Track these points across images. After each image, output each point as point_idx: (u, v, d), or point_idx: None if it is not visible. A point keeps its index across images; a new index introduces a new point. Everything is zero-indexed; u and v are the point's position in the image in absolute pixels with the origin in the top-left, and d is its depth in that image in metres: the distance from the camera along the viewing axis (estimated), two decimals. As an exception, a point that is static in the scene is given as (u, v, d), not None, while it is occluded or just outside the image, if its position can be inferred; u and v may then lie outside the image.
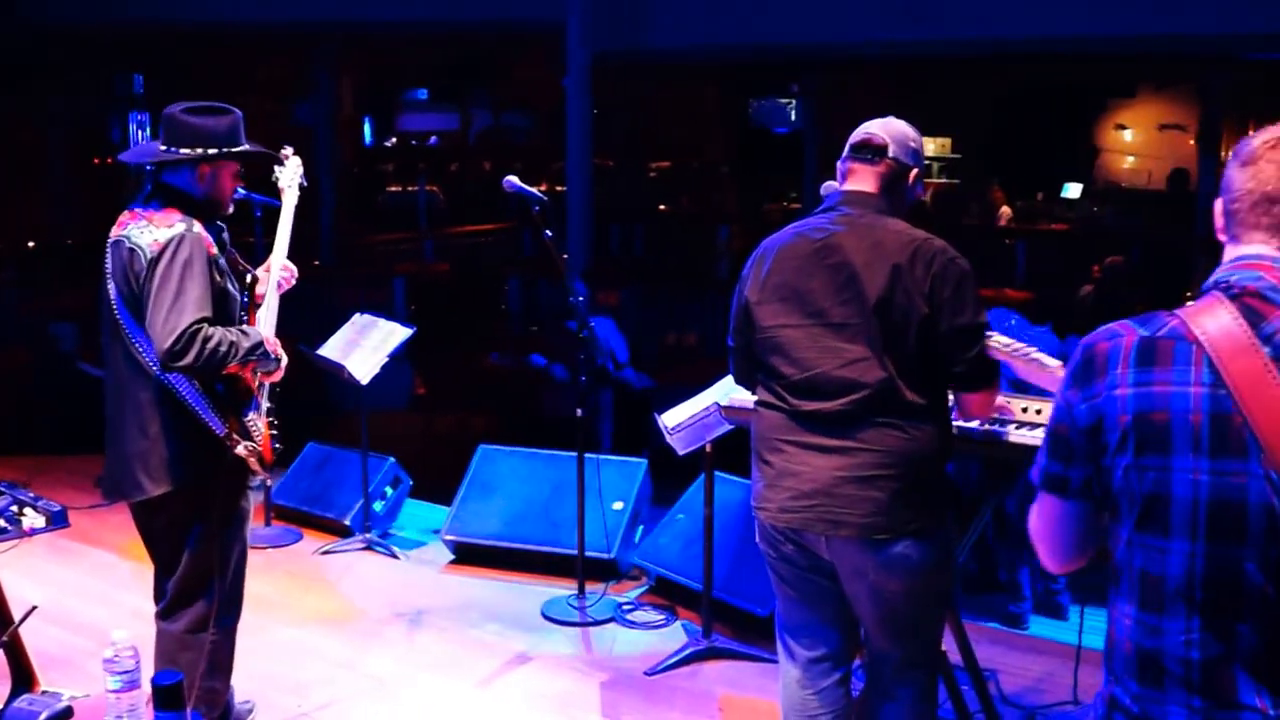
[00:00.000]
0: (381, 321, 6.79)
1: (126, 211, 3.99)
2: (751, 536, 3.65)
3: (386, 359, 6.53)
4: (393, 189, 20.11)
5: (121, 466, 3.97)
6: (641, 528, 6.39)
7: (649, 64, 15.21)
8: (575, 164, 13.19)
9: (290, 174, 4.42)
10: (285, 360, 4.06)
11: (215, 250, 3.93)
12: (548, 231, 5.33)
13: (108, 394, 4.04)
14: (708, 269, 14.40)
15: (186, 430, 3.91)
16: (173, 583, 4.08)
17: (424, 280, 14.29)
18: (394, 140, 21.73)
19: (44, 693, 4.48)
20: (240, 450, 3.93)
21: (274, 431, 4.02)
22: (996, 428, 3.78)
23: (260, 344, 3.93)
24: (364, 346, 6.63)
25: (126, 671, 3.19)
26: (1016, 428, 3.78)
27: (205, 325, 3.73)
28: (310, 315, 11.47)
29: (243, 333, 3.90)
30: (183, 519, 4.01)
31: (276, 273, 4.26)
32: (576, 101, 13.11)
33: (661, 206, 18.91)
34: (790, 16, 13.18)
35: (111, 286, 3.92)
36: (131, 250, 3.84)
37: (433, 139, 22.22)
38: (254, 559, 6.47)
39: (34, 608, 3.76)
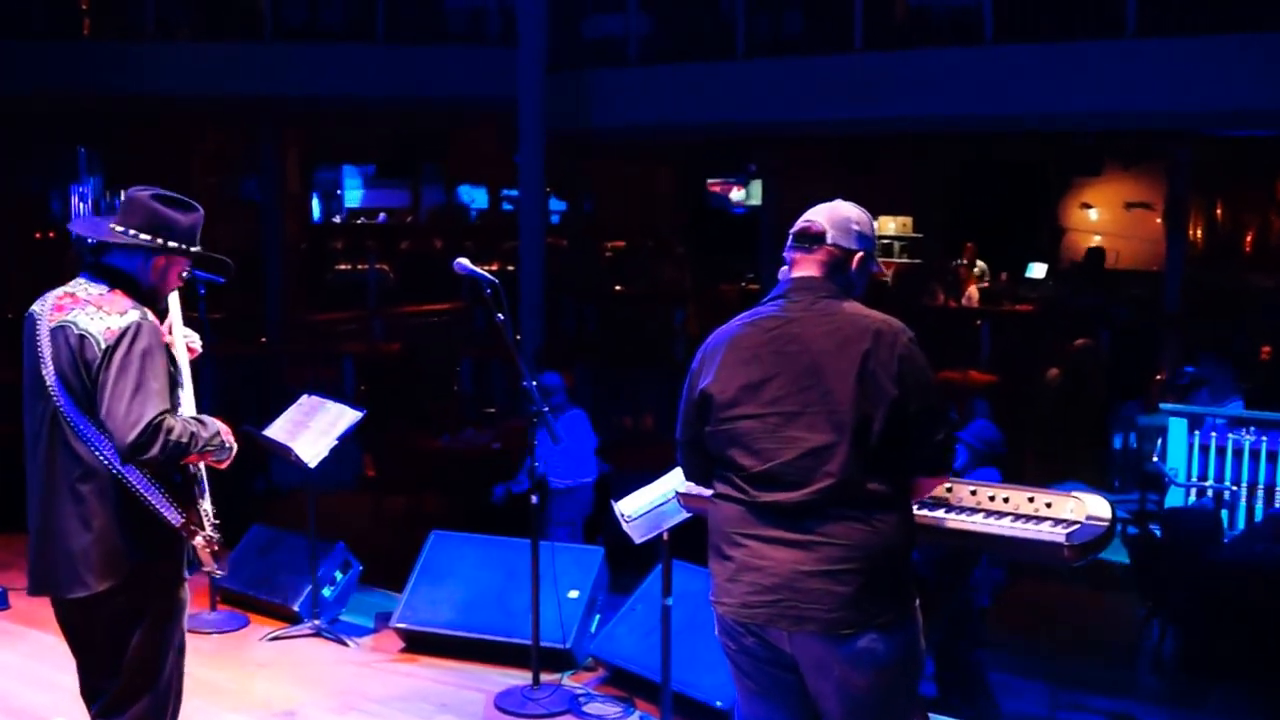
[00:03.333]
0: (330, 403, 6.65)
1: (65, 294, 3.83)
2: (712, 626, 3.53)
3: (335, 442, 6.40)
4: (342, 267, 20.00)
5: (58, 561, 3.79)
6: (598, 617, 6.25)
7: (602, 142, 15.21)
8: (528, 242, 13.15)
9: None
10: (235, 449, 3.93)
11: (166, 337, 3.85)
12: (500, 315, 5.23)
13: (37, 485, 3.85)
14: (664, 350, 14.29)
15: (134, 522, 3.76)
16: (116, 681, 3.89)
17: (374, 360, 14.16)
18: (343, 217, 21.66)
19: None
20: (198, 541, 3.80)
21: (216, 521, 3.87)
22: (938, 513, 3.69)
23: (218, 433, 3.82)
24: (312, 429, 6.49)
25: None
26: (957, 513, 3.69)
27: (167, 417, 3.64)
28: (257, 393, 11.35)
29: (200, 422, 3.79)
30: (125, 614, 3.84)
31: (181, 342, 4.09)
32: (529, 179, 13.09)
33: (617, 287, 18.83)
34: (743, 95, 13.18)
35: (50, 372, 3.76)
36: (82, 337, 3.71)
37: (382, 216, 22.17)
38: (200, 644, 6.38)
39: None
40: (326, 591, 6.74)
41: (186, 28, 14.52)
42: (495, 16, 14.49)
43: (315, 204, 20.98)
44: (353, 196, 22.07)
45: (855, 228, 3.53)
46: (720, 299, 16.06)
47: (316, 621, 6.59)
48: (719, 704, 5.24)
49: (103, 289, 3.81)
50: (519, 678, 5.86)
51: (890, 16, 13.38)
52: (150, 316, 3.78)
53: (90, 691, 3.99)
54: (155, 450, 3.60)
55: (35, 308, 3.86)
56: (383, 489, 10.58)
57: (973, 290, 15.68)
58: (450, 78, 13.88)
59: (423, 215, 22.60)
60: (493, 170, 18.99)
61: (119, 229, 3.86)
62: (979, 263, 16.27)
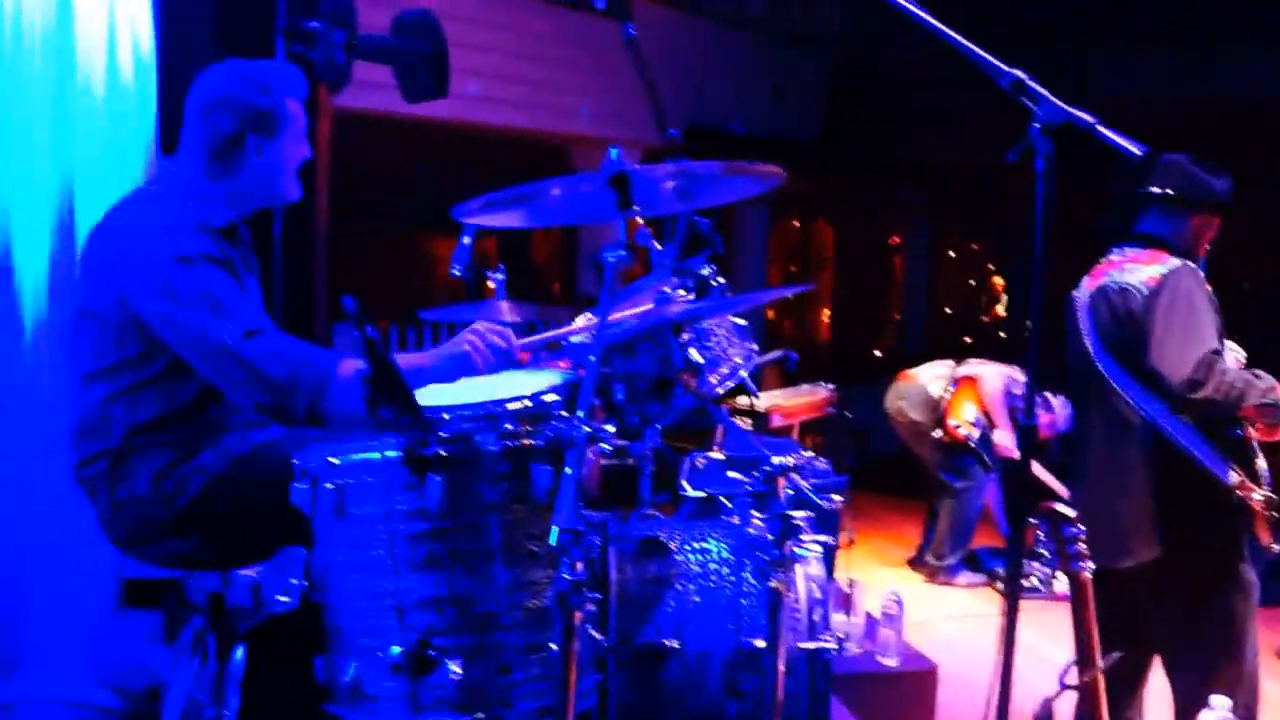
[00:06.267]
0: None
1: (1101, 264, 3.98)
2: None
3: None
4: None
5: (1103, 529, 3.62)
6: None
7: None
8: None
9: None
10: None
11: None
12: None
13: (1084, 456, 3.97)
14: None
15: (1181, 487, 3.72)
16: (1180, 667, 3.85)
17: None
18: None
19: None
20: (1255, 498, 3.66)
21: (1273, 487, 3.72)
22: None
23: (1273, 388, 3.67)
24: None
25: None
26: None
27: (1219, 358, 3.60)
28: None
29: (1256, 374, 3.70)
30: (1173, 588, 3.79)
31: None
32: None
33: None
34: None
35: (1090, 340, 3.87)
36: (1122, 290, 3.80)
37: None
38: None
39: (1119, 654, 3.43)
40: None
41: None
42: None
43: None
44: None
45: None
46: None
47: None
48: None
49: (1139, 250, 3.90)
50: None
51: None
52: (1191, 265, 3.77)
53: (1125, 681, 3.86)
54: (1210, 388, 3.54)
55: (1074, 292, 4.02)
56: None
57: None
58: None
59: None
60: None
61: (1155, 191, 3.92)
62: None
